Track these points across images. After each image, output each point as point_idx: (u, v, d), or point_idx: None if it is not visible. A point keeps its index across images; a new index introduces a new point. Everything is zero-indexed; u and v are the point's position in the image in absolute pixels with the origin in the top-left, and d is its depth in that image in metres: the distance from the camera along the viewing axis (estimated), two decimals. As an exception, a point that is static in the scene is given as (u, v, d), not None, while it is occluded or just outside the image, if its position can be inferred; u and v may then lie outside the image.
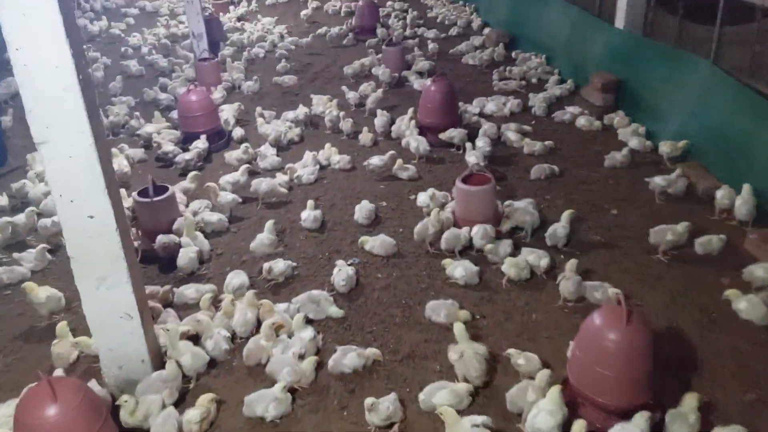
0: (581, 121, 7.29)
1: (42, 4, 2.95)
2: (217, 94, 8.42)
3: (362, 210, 5.51)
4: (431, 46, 10.38)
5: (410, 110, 7.25)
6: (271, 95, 8.86)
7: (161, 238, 5.00)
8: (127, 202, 5.44)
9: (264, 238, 5.06)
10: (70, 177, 3.25)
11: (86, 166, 3.25)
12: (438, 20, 12.41)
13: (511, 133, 6.94)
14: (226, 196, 5.66)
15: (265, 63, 10.33)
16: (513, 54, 9.79)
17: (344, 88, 8.53)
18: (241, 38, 11.30)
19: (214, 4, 13.47)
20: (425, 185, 6.12)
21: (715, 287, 4.47)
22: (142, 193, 5.21)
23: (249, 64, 10.11)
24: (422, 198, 5.57)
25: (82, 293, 3.52)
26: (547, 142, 6.68)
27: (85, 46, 11.07)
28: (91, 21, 12.99)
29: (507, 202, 5.39)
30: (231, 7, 13.68)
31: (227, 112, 7.70)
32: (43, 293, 4.36)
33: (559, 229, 5.01)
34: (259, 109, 7.77)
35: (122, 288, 3.54)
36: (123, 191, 5.59)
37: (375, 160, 6.27)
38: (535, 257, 4.75)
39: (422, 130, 7.07)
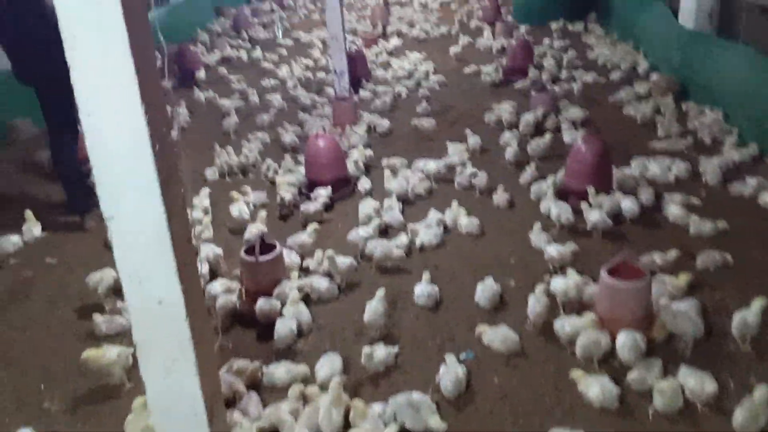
0: (765, 198, 6.01)
1: (118, 66, 2.59)
2: (354, 137, 8.06)
3: (484, 291, 4.76)
4: (575, 86, 9.43)
5: (557, 175, 6.42)
6: (405, 139, 8.36)
7: (261, 304, 4.60)
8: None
9: (378, 307, 4.50)
10: (138, 256, 2.88)
11: (156, 245, 2.86)
12: (599, 62, 11.32)
13: (674, 207, 5.85)
14: (344, 261, 5.15)
15: (407, 102, 9.89)
16: (683, 106, 8.56)
17: (467, 131, 7.89)
18: (384, 75, 11.01)
19: (363, 37, 13.36)
20: (561, 260, 5.26)
21: None
22: (250, 250, 4.86)
23: (389, 104, 9.72)
24: (558, 284, 4.70)
25: (147, 383, 3.13)
26: (719, 222, 5.54)
27: (236, 77, 11.41)
28: (247, 51, 13.47)
29: (663, 302, 4.41)
30: (380, 40, 13.47)
31: (357, 156, 7.31)
32: (111, 352, 4.11)
33: (750, 317, 4.06)
34: (385, 161, 7.28)
35: (189, 380, 3.12)
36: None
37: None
38: (697, 381, 3.75)
39: (566, 194, 6.21)
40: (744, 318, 4.10)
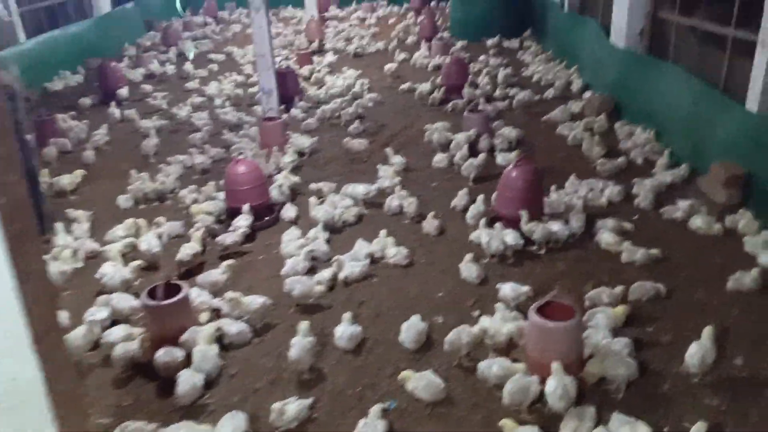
0: (697, 222, 5.90)
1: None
2: (287, 157, 7.66)
3: (410, 331, 4.44)
4: (490, 108, 9.33)
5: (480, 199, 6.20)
6: (336, 161, 8.02)
7: (161, 356, 4.15)
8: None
9: (305, 343, 4.18)
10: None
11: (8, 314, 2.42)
12: (534, 79, 11.26)
13: (607, 234, 5.68)
14: (255, 301, 4.74)
15: (339, 121, 9.55)
16: (617, 125, 8.51)
17: (387, 150, 7.69)
18: (318, 93, 10.65)
19: (297, 54, 12.99)
20: (494, 295, 5.01)
21: None
22: (153, 291, 4.41)
23: (321, 124, 9.37)
24: (488, 323, 4.41)
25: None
26: (652, 251, 5.39)
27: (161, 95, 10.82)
28: (176, 66, 12.94)
29: (594, 341, 4.19)
30: (314, 58, 13.12)
31: (283, 181, 6.93)
32: None
33: (707, 352, 3.95)
34: (313, 185, 6.92)
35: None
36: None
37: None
38: (630, 430, 3.53)
39: (497, 221, 5.99)
40: (702, 350, 3.94)
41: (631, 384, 3.98)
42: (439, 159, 7.62)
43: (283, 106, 9.42)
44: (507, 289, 4.80)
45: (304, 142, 8.19)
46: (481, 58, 12.73)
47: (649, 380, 4.06)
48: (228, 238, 5.68)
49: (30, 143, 6.34)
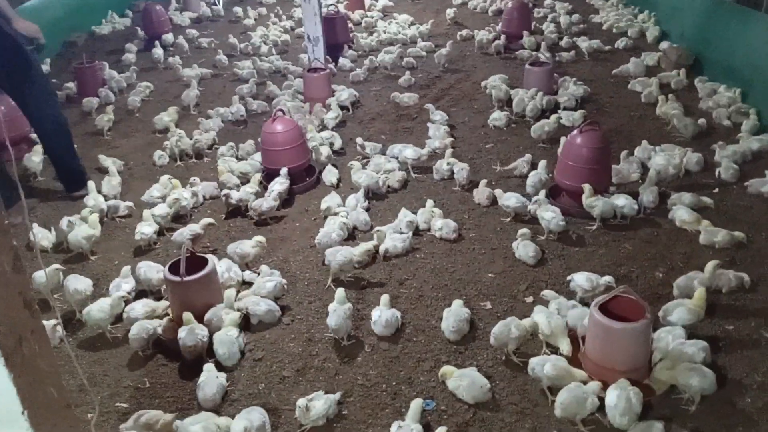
0: (789, 199, 5.19)
1: None
2: (330, 113, 7.17)
3: (450, 318, 3.98)
4: (554, 60, 8.47)
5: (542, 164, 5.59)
6: (384, 118, 7.46)
7: (183, 337, 3.84)
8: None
9: (341, 311, 3.93)
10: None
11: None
12: (604, 27, 10.28)
13: (683, 210, 5.03)
14: (273, 283, 4.36)
15: (390, 73, 8.93)
16: (696, 81, 7.63)
17: (435, 116, 7.03)
18: (368, 41, 10.00)
19: (348, -3, 12.27)
20: (550, 279, 4.50)
21: None
22: (175, 266, 4.07)
23: (369, 74, 8.78)
24: (540, 317, 3.91)
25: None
26: (735, 233, 4.72)
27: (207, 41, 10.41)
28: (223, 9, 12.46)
29: (663, 345, 3.65)
30: (366, 1, 12.38)
31: (324, 141, 6.48)
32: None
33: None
34: (357, 144, 6.43)
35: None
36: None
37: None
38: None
39: (558, 193, 5.42)
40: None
41: (705, 396, 3.45)
42: (497, 117, 6.97)
43: (329, 57, 8.88)
44: (581, 279, 4.17)
45: (349, 95, 7.64)
46: (547, 1, 11.74)
47: (728, 392, 3.52)
48: (264, 204, 5.28)
49: (55, 93, 6.06)
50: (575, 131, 5.24)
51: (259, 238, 4.73)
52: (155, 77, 9.09)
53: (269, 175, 5.84)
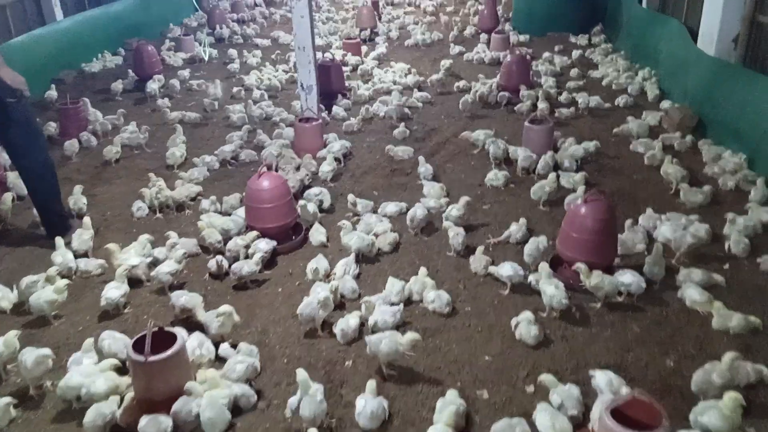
0: (805, 280, 4.87)
1: None
2: (325, 166, 6.83)
3: (444, 411, 3.58)
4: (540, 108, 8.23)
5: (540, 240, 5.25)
6: (377, 171, 7.15)
7: (144, 426, 3.42)
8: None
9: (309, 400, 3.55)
10: None
11: None
12: (604, 83, 10.11)
13: (693, 290, 4.68)
14: (244, 365, 3.96)
15: (384, 123, 8.68)
16: (701, 144, 7.39)
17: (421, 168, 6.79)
18: (363, 89, 9.75)
19: (345, 44, 12.11)
20: (553, 364, 4.12)
21: None
22: (139, 343, 3.67)
23: (363, 125, 8.52)
24: (543, 419, 3.51)
25: None
26: (751, 318, 4.38)
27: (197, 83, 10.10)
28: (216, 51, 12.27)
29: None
30: (364, 48, 12.21)
31: (313, 195, 6.16)
32: None
33: None
34: (350, 197, 6.10)
35: None
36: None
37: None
38: None
39: (559, 263, 5.08)
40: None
41: None
42: (494, 176, 6.68)
43: (323, 106, 8.64)
44: (602, 380, 3.72)
45: (341, 146, 7.34)
46: (545, 55, 11.61)
47: None
48: (245, 268, 4.91)
49: (42, 134, 5.86)
50: (579, 201, 4.92)
51: (223, 309, 4.28)
52: (144, 120, 8.78)
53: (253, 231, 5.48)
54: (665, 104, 8.70)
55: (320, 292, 4.54)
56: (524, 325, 4.32)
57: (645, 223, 5.73)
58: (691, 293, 4.67)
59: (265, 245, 5.14)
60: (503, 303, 4.79)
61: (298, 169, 6.91)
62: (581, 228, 4.78)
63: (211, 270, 5.08)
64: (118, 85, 9.86)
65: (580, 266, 4.65)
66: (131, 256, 4.97)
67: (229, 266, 5.07)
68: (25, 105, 5.45)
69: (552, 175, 6.32)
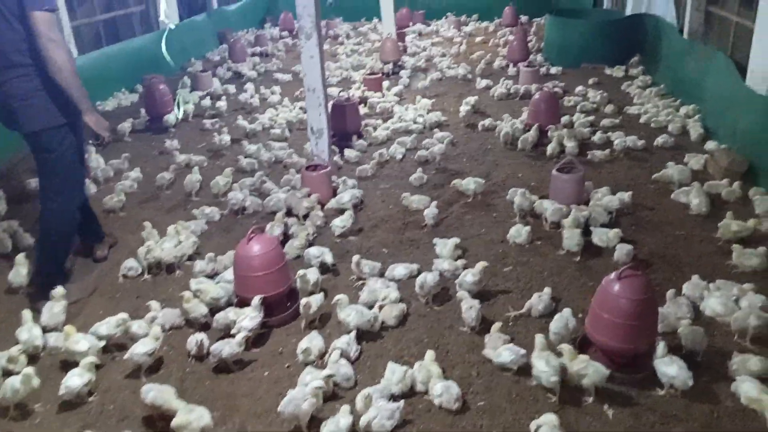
0: None
1: None
2: (338, 222, 6.24)
3: None
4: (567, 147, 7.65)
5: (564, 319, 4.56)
6: (388, 224, 6.53)
7: None
8: None
9: None
10: None
11: None
12: (641, 120, 9.37)
13: (749, 385, 3.90)
14: None
15: (402, 168, 8.08)
16: (752, 194, 6.59)
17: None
18: (378, 133, 9.12)
19: (365, 80, 11.60)
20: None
21: None
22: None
23: (378, 169, 7.94)
24: None
25: None
26: (821, 424, 3.61)
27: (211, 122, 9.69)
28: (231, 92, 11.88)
29: None
30: (385, 83, 11.68)
31: (314, 259, 5.58)
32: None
33: None
34: (355, 258, 5.49)
35: None
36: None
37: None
38: None
39: (589, 345, 4.37)
40: None
41: None
42: (517, 232, 6.00)
43: (336, 148, 8.12)
44: None
45: (351, 196, 6.77)
46: (578, 89, 10.92)
47: None
48: (226, 350, 4.32)
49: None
50: (612, 275, 4.20)
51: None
52: (149, 164, 8.37)
53: (241, 303, 4.91)
54: (710, 145, 7.92)
55: (310, 382, 3.94)
56: (545, 426, 3.62)
57: (690, 292, 4.99)
58: (747, 388, 3.89)
59: (248, 322, 4.54)
60: (522, 396, 4.09)
61: (305, 218, 6.38)
62: (614, 309, 4.06)
63: (191, 351, 4.50)
64: (125, 126, 9.47)
65: (565, 348, 4.07)
66: (81, 340, 4.40)
67: (223, 337, 4.49)
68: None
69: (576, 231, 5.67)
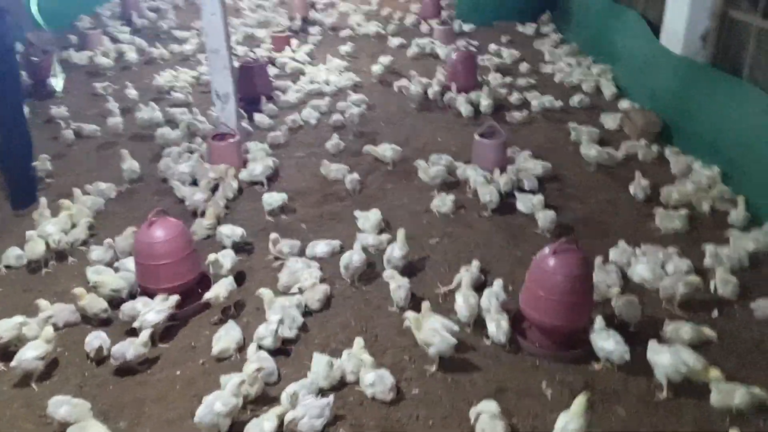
0: (810, 333, 4.12)
1: None
2: (269, 196, 5.76)
3: None
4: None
5: (496, 285, 4.39)
6: (307, 197, 6.12)
7: None
8: None
9: None
10: None
11: None
12: (556, 79, 9.29)
13: (687, 354, 3.85)
14: None
15: (317, 134, 7.61)
16: (668, 154, 6.64)
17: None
18: (293, 90, 8.61)
19: (272, 37, 10.89)
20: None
21: None
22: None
23: (291, 136, 7.44)
24: None
25: None
26: (756, 391, 3.58)
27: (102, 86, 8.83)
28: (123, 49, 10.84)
29: None
30: (293, 41, 10.99)
31: (225, 238, 5.11)
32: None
33: None
34: (273, 236, 5.06)
35: None
36: None
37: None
38: None
39: (521, 321, 4.21)
40: None
41: None
42: (442, 201, 5.74)
43: (244, 113, 7.54)
44: None
45: (265, 168, 6.27)
46: (492, 47, 10.71)
47: None
48: (130, 351, 3.83)
49: None
50: (546, 250, 4.01)
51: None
52: (36, 135, 7.43)
53: (145, 294, 4.39)
54: (624, 104, 7.95)
55: (228, 383, 3.54)
56: (487, 420, 3.41)
57: (618, 259, 4.93)
58: (685, 358, 3.85)
59: (153, 316, 4.06)
60: (459, 382, 3.87)
61: (214, 190, 5.85)
62: (549, 286, 3.88)
63: (90, 354, 3.98)
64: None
65: (410, 315, 3.97)
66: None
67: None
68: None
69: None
